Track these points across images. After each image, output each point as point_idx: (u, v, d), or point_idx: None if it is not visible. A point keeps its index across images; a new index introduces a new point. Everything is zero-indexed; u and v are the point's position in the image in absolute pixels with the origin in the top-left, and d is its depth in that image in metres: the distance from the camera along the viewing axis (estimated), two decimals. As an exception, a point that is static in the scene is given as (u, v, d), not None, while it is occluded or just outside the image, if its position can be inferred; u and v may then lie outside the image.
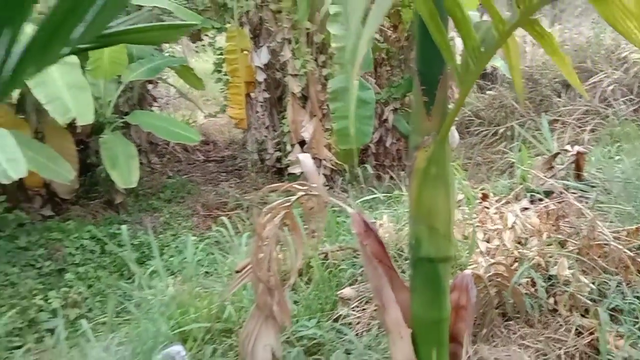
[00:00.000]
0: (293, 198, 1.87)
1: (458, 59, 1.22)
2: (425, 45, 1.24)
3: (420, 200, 1.26)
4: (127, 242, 3.50)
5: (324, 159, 5.85)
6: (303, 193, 1.78)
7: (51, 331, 3.68)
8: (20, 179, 3.72)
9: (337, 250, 2.73)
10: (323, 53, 5.78)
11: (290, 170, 6.11)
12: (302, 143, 6.05)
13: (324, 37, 5.56)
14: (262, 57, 6.19)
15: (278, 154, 6.58)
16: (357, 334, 2.05)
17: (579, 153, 3.36)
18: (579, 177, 3.37)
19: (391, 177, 4.50)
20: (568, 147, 3.57)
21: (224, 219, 3.54)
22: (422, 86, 1.23)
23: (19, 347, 3.32)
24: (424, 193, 1.25)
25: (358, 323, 2.12)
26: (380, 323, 2.07)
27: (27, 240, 4.71)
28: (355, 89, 0.80)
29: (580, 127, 6.37)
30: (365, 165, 5.60)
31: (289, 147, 6.14)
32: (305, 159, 1.80)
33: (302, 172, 6.02)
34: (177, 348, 2.31)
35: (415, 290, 1.37)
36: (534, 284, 2.10)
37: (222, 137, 8.72)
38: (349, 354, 1.90)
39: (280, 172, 6.59)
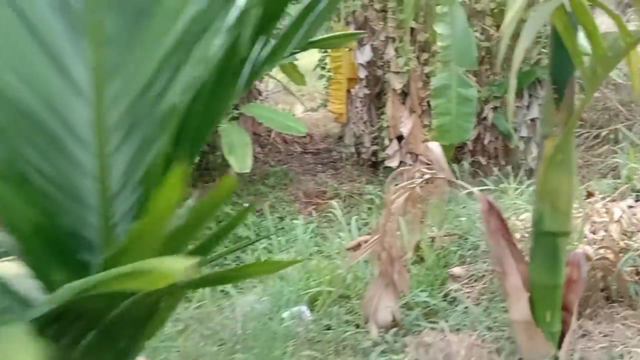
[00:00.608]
0: (418, 180, 2.15)
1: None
2: (557, 51, 1.47)
3: (546, 182, 1.50)
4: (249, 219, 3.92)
5: (421, 154, 6.04)
6: (429, 175, 2.05)
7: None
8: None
9: (445, 236, 2.97)
10: (425, 51, 5.97)
11: (387, 163, 6.36)
12: (399, 138, 6.28)
13: (428, 36, 5.75)
14: (365, 54, 6.47)
15: (374, 147, 6.84)
16: (466, 307, 2.29)
17: (689, 156, 3.37)
18: (687, 180, 3.38)
19: (496, 175, 4.66)
20: (677, 150, 3.58)
21: (334, 203, 3.88)
22: (553, 85, 1.47)
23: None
24: (550, 176, 1.49)
25: (468, 297, 2.36)
26: (490, 297, 2.30)
27: (153, 214, 5.31)
28: (513, 93, 1.05)
29: (692, 131, 6.12)
30: (463, 162, 5.74)
31: (386, 142, 6.39)
32: (434, 146, 2.07)
33: (397, 166, 6.26)
34: (303, 308, 2.66)
35: (535, 259, 1.61)
36: (638, 273, 2.24)
37: (318, 131, 9.10)
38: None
39: (374, 166, 6.84)
